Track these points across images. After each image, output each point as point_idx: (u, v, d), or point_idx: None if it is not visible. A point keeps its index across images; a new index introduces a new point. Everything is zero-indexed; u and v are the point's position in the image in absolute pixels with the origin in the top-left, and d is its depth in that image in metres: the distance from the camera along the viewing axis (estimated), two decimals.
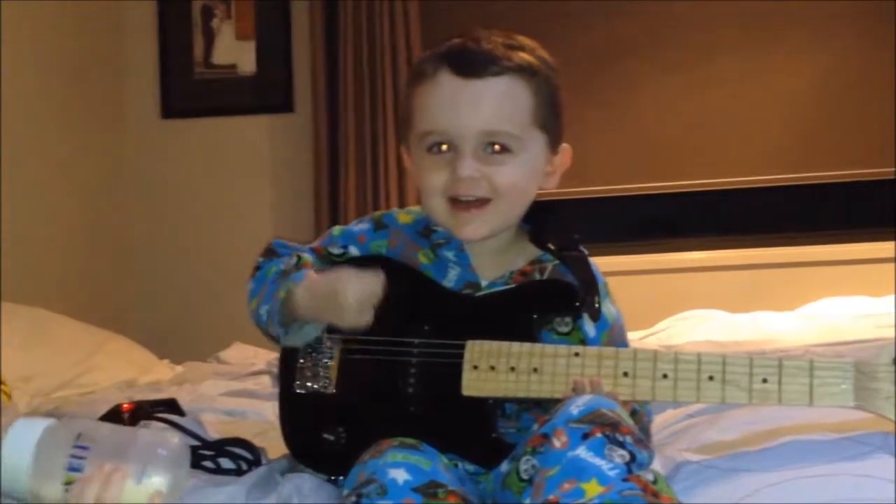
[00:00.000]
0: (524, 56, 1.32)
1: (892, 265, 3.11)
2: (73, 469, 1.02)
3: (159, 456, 1.03)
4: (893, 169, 3.28)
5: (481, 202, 1.31)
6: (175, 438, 1.07)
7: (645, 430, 1.30)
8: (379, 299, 1.25)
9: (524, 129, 1.31)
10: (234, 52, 3.64)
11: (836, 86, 3.35)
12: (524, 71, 1.31)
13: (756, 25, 3.38)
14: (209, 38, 3.65)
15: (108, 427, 1.10)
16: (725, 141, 3.42)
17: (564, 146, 1.38)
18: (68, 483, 1.01)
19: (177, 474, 1.04)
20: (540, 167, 1.35)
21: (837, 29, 3.35)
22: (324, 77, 3.44)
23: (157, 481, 1.01)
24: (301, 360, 1.35)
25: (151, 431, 1.09)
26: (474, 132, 1.29)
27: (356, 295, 1.24)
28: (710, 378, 1.16)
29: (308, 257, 1.40)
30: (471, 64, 1.30)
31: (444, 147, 1.31)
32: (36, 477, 1.03)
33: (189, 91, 3.66)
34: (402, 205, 3.33)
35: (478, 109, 1.29)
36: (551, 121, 1.35)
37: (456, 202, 1.31)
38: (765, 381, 1.14)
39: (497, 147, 1.30)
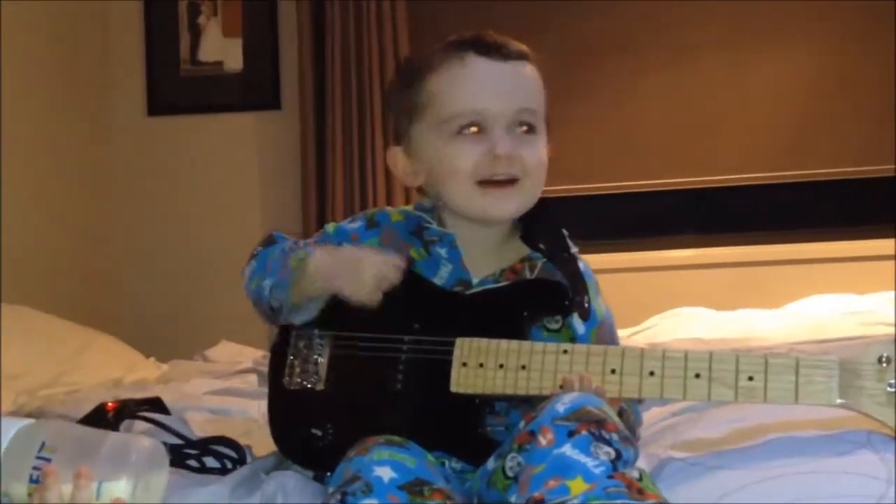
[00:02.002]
0: (526, 47, 1.39)
1: (878, 263, 3.14)
2: (33, 481, 1.01)
3: (127, 460, 1.02)
4: (879, 167, 3.29)
5: (512, 181, 1.33)
6: (147, 442, 1.06)
7: (631, 428, 1.30)
8: (394, 284, 1.27)
9: (541, 109, 1.37)
10: (221, 49, 3.63)
11: (821, 85, 3.36)
12: (532, 57, 1.38)
13: (744, 22, 3.39)
14: (195, 35, 3.64)
15: (78, 431, 1.09)
16: (712, 139, 3.42)
17: (549, 145, 1.42)
18: (30, 495, 1.01)
19: (148, 477, 1.02)
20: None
21: (825, 26, 3.36)
22: (311, 74, 3.43)
23: (121, 486, 1.00)
24: (291, 357, 1.36)
25: (123, 435, 1.08)
26: (510, 110, 1.33)
27: (376, 270, 1.27)
28: (697, 375, 1.16)
29: (312, 242, 1.41)
30: (498, 48, 1.35)
31: (474, 129, 1.33)
32: (5, 479, 1.03)
33: (175, 88, 3.65)
34: (388, 201, 3.32)
35: (510, 88, 1.34)
36: (548, 114, 1.40)
37: (486, 182, 1.32)
38: (751, 378, 1.14)
39: (525, 127, 1.34)
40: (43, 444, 1.03)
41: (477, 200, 1.33)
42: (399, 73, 1.45)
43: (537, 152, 1.35)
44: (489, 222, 1.36)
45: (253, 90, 3.62)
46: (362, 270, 1.27)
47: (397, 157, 1.41)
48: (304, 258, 1.31)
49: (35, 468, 1.02)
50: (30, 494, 1.01)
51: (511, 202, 1.34)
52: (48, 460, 1.02)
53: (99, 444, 1.03)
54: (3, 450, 1.04)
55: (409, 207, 1.45)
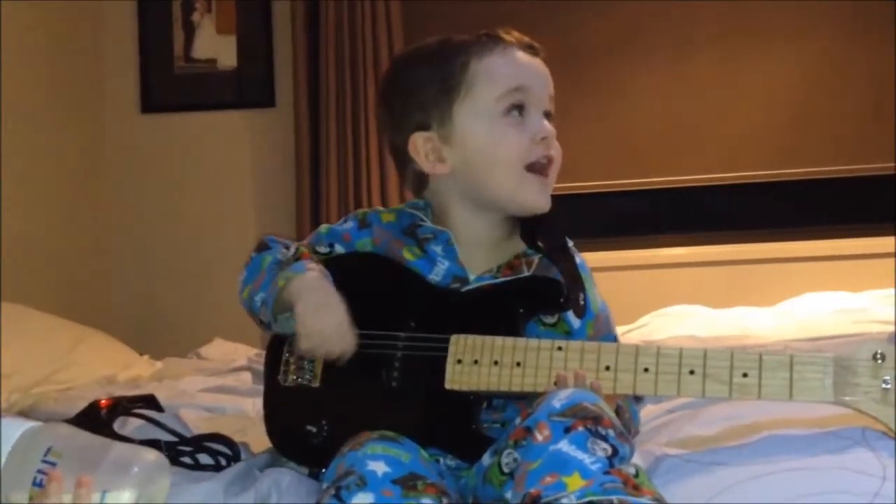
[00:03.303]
0: None
1: (872, 261, 3.15)
2: (36, 485, 1.01)
3: (130, 472, 1.01)
4: (875, 165, 3.30)
5: (550, 164, 1.36)
6: (151, 455, 1.05)
7: (627, 426, 1.30)
8: (333, 359, 1.28)
9: None
10: (215, 46, 3.62)
11: (816, 83, 3.37)
12: None
13: (740, 20, 3.39)
14: (189, 32, 3.63)
15: (84, 438, 1.08)
16: (708, 137, 3.43)
17: None
18: (31, 498, 1.00)
19: (150, 490, 1.02)
20: None
21: (822, 24, 3.36)
22: (305, 72, 3.43)
23: (125, 496, 0.99)
24: (286, 354, 1.36)
25: (128, 446, 1.07)
26: (547, 95, 1.37)
27: (326, 334, 1.27)
28: (691, 372, 1.16)
29: (304, 249, 1.41)
30: (522, 39, 1.39)
31: (519, 110, 1.34)
32: (6, 481, 1.02)
33: (169, 85, 3.64)
34: (383, 199, 3.32)
35: (545, 77, 1.38)
36: None
37: (534, 168, 1.34)
38: (745, 375, 1.15)
39: (548, 115, 1.37)
40: (49, 449, 1.03)
41: (519, 188, 1.34)
42: (424, 54, 1.40)
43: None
44: (527, 212, 1.36)
45: (247, 88, 3.61)
46: (316, 322, 1.27)
47: (419, 143, 1.37)
48: (290, 278, 1.31)
49: (39, 472, 1.01)
50: (31, 498, 1.01)
51: (549, 191, 1.36)
52: (53, 465, 1.02)
53: (104, 454, 1.03)
54: (7, 450, 1.03)
55: (400, 206, 1.45)
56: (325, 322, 1.27)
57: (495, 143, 1.34)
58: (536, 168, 1.34)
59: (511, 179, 1.34)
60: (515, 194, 1.34)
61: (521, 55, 1.37)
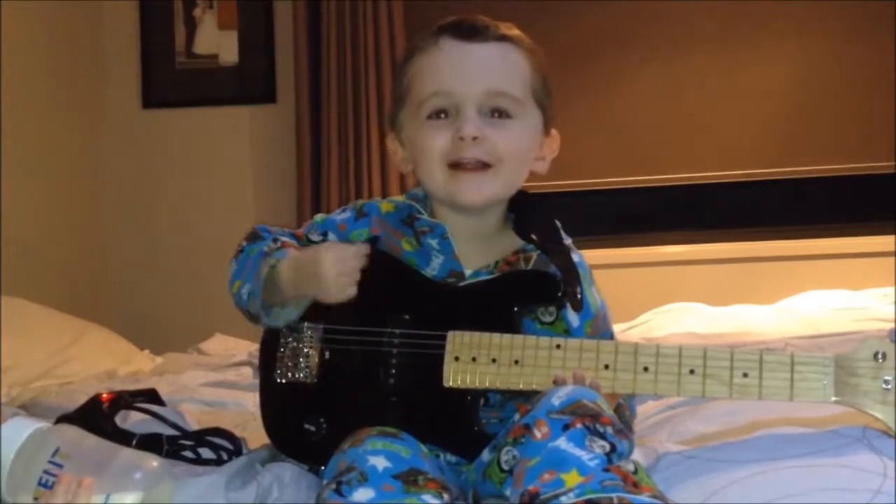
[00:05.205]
0: (519, 33, 1.37)
1: (872, 259, 3.15)
2: (42, 485, 1.02)
3: (134, 478, 1.03)
4: (875, 164, 3.30)
5: (482, 166, 1.31)
6: (155, 462, 1.06)
7: (627, 423, 1.30)
8: (360, 269, 1.26)
9: (524, 95, 1.34)
10: (216, 41, 3.62)
11: (816, 81, 3.37)
12: (522, 42, 1.36)
13: (739, 18, 3.39)
14: (191, 27, 3.63)
15: (93, 441, 1.09)
16: (708, 135, 3.43)
17: (554, 132, 1.40)
18: (37, 498, 1.01)
19: (153, 496, 1.03)
20: (536, 142, 1.37)
21: (822, 22, 3.36)
22: (306, 67, 3.43)
23: (129, 499, 1.01)
24: (281, 350, 1.34)
25: (133, 452, 1.09)
26: (479, 92, 1.31)
27: (335, 263, 1.25)
28: (691, 372, 1.16)
29: (290, 241, 1.40)
30: (473, 29, 1.34)
31: (445, 113, 1.32)
32: (11, 481, 1.03)
33: (170, 81, 3.64)
34: (384, 195, 3.32)
35: (482, 70, 1.32)
36: (546, 100, 1.37)
37: (457, 166, 1.31)
38: (745, 375, 1.14)
39: (498, 112, 1.32)
40: (57, 450, 1.04)
41: (449, 184, 1.32)
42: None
43: (511, 137, 1.32)
44: (460, 208, 1.34)
45: (248, 83, 3.61)
46: (323, 272, 1.25)
47: (391, 144, 1.43)
48: (274, 265, 1.29)
49: (46, 472, 1.02)
50: (36, 497, 1.01)
51: (483, 188, 1.32)
52: (61, 466, 1.02)
53: (110, 459, 1.04)
54: (15, 450, 1.04)
55: (399, 197, 1.44)
56: (322, 273, 1.25)
57: (420, 144, 1.34)
58: (461, 167, 1.32)
59: (437, 176, 1.33)
60: (444, 191, 1.34)
61: (457, 49, 1.33)
